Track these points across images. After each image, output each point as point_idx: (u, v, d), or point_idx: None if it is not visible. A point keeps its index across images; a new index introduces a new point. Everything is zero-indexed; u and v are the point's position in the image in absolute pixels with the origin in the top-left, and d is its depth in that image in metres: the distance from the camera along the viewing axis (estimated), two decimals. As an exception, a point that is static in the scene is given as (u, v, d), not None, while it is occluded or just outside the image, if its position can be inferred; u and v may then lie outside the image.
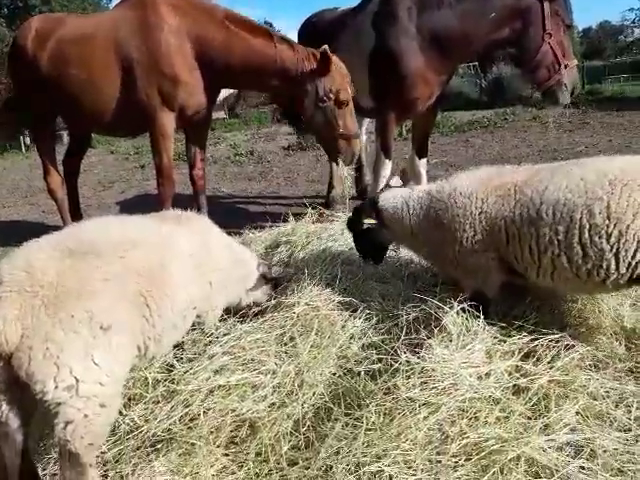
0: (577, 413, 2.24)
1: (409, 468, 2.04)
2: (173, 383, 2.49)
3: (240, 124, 26.21)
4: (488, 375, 2.30)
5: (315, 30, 5.84)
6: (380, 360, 2.48)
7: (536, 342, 2.48)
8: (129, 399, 2.53)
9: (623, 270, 2.28)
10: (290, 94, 4.74)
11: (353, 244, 3.44)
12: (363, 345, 2.74)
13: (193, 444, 2.33)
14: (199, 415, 2.35)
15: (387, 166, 5.04)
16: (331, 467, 2.12)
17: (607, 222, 2.24)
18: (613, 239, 2.24)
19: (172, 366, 2.61)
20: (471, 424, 2.16)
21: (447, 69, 4.66)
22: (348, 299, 3.04)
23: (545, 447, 2.05)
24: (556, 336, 2.48)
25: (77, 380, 1.95)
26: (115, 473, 2.31)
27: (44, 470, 2.38)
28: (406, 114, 4.86)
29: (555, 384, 2.35)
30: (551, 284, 2.52)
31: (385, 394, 2.27)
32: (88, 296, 2.04)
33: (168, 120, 5.01)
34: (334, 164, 6.34)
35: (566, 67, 3.91)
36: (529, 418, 2.23)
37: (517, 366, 2.39)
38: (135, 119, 5.14)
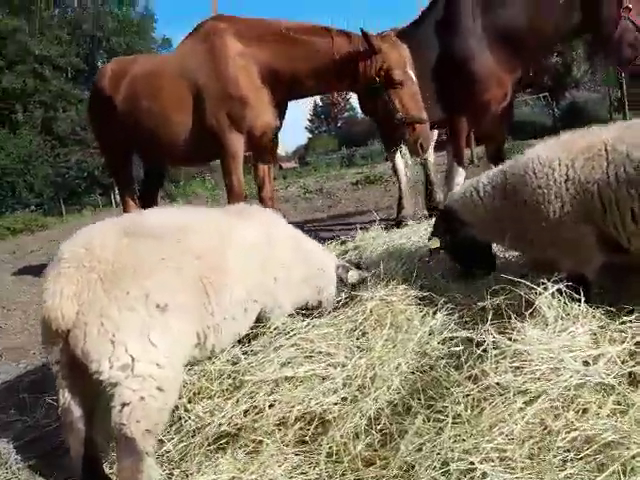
0: None
1: (507, 466, 1.72)
2: (238, 375, 2.34)
3: (310, 170, 26.91)
4: (596, 360, 1.94)
5: None
6: (465, 348, 2.18)
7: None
8: (194, 394, 2.40)
9: None
10: (354, 86, 4.68)
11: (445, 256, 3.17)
12: (444, 339, 2.45)
13: (260, 441, 2.16)
14: (265, 408, 2.18)
15: (461, 174, 4.78)
16: (413, 466, 1.84)
17: None
18: None
19: (237, 359, 2.46)
20: (579, 417, 1.81)
21: (519, 67, 4.42)
22: (426, 294, 2.79)
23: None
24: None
25: (133, 359, 1.87)
26: (180, 472, 2.17)
27: (111, 469, 2.30)
28: (479, 118, 4.62)
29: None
30: None
31: (472, 383, 1.97)
32: (144, 274, 1.99)
33: (238, 142, 5.13)
34: (402, 187, 6.19)
35: None
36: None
37: (631, 352, 2.01)
38: (207, 146, 5.32)
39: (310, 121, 60.33)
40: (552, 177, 2.32)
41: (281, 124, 5.44)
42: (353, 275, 3.08)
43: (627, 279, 2.50)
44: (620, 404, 1.86)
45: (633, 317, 2.15)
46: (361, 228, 4.65)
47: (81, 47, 41.55)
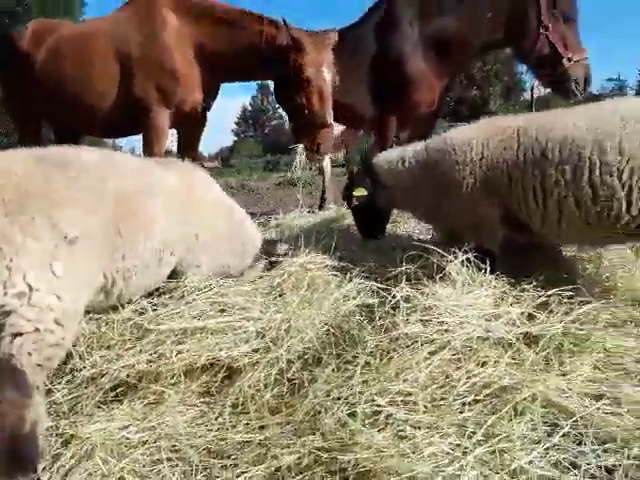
0: (594, 367, 2.01)
1: (410, 409, 1.77)
2: (144, 324, 2.21)
3: (233, 172, 26.53)
4: (497, 318, 2.07)
5: None
6: (378, 302, 2.23)
7: (549, 294, 2.25)
8: (92, 342, 2.23)
9: (635, 212, 2.13)
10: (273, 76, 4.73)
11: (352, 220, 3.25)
12: (359, 305, 2.49)
13: (162, 393, 2.05)
14: (170, 357, 2.07)
15: None
16: (319, 411, 1.83)
17: (619, 158, 2.11)
18: (625, 176, 2.10)
19: (144, 310, 2.33)
20: (479, 367, 1.91)
21: (448, 74, 4.67)
22: (344, 264, 2.83)
23: (565, 388, 1.80)
24: (570, 292, 2.28)
25: (30, 288, 1.71)
26: (68, 422, 1.99)
27: None
28: (407, 117, 4.80)
29: (570, 337, 2.12)
30: (557, 233, 2.35)
31: (383, 334, 2.02)
32: (55, 202, 1.84)
33: (164, 117, 4.94)
34: (326, 181, 6.31)
35: (570, 60, 3.83)
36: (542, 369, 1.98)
37: (529, 315, 2.17)
38: (130, 118, 5.06)
39: (237, 124, 59.73)
40: (469, 155, 2.48)
41: (210, 105, 5.34)
42: (282, 247, 3.06)
43: (529, 255, 2.70)
44: (515, 359, 1.99)
45: (531, 286, 2.32)
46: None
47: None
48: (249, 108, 59.15)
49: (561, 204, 2.26)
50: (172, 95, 4.81)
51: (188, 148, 5.39)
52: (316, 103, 4.29)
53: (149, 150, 4.97)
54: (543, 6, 3.86)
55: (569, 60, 3.83)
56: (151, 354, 2.10)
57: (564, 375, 1.92)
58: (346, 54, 5.16)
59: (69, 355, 2.14)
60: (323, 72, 4.31)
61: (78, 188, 1.95)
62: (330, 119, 4.29)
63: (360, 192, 3.04)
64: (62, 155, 2.13)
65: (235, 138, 57.55)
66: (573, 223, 2.28)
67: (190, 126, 5.28)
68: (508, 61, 43.80)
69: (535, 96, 17.83)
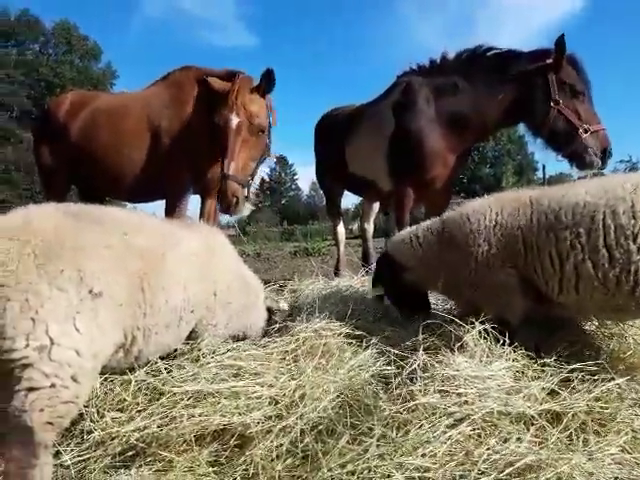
0: (621, 449, 1.92)
1: (428, 486, 1.69)
2: (158, 386, 2.19)
3: (249, 240, 26.96)
4: (518, 392, 2.01)
5: (334, 121, 6.23)
6: (395, 371, 2.18)
7: (571, 369, 2.19)
8: (105, 404, 2.20)
9: None
10: None
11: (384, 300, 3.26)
12: (374, 375, 2.44)
13: (171, 460, 1.99)
14: (182, 421, 2.03)
15: None
16: (333, 486, 1.76)
17: (633, 222, 2.14)
18: None
19: (159, 371, 2.31)
20: (501, 444, 1.83)
21: (462, 150, 4.85)
22: (359, 332, 2.80)
23: (592, 470, 1.71)
24: (593, 368, 2.22)
25: (52, 341, 1.72)
26: (73, 487, 1.93)
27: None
28: (423, 191, 4.93)
29: (594, 415, 2.04)
30: (575, 301, 2.33)
31: (400, 404, 1.96)
32: (84, 255, 1.89)
33: (187, 185, 5.17)
34: (340, 249, 6.39)
35: (587, 131, 3.93)
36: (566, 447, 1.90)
37: (552, 391, 2.10)
38: (156, 184, 5.29)
39: (255, 195, 61.23)
40: (483, 222, 2.53)
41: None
42: (285, 305, 3.08)
43: (549, 329, 2.66)
44: (538, 437, 1.91)
45: (552, 360, 2.27)
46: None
47: (34, 90, 41.22)
48: (267, 179, 60.99)
49: (578, 268, 2.27)
50: (196, 165, 5.06)
51: (209, 215, 5.57)
52: (228, 157, 4.10)
53: (171, 214, 5.15)
54: (552, 81, 4.03)
55: (585, 131, 3.93)
56: (162, 417, 2.06)
57: (590, 456, 1.83)
58: (366, 130, 5.43)
59: (80, 416, 2.11)
60: (232, 115, 4.15)
61: (106, 244, 2.02)
62: (228, 170, 4.01)
63: (377, 291, 3.11)
64: (92, 211, 2.22)
65: (253, 208, 58.94)
66: (591, 288, 2.26)
67: (212, 193, 5.49)
68: (520, 140, 45.29)
69: (547, 175, 18.19)
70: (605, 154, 3.99)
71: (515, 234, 2.45)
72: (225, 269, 2.71)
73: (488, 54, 4.45)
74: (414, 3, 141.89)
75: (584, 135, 3.92)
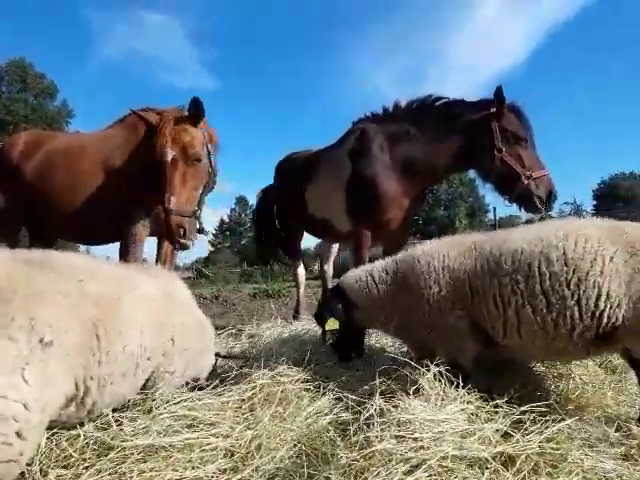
0: (572, 491, 1.96)
1: (386, 537, 1.67)
2: (107, 440, 2.09)
3: (208, 283, 26.45)
4: (472, 435, 2.03)
5: (293, 165, 6.36)
6: (352, 418, 2.17)
7: (522, 410, 2.25)
8: (49, 461, 2.07)
9: (587, 321, 2.25)
10: None
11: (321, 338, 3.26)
12: (332, 422, 2.41)
13: (118, 523, 1.89)
14: (131, 477, 1.93)
15: None
16: (290, 541, 1.71)
17: (565, 269, 2.27)
18: (573, 286, 2.25)
19: (108, 424, 2.21)
20: (457, 490, 1.84)
21: (416, 193, 5.03)
22: (317, 377, 2.79)
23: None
24: (544, 409, 2.28)
25: None
26: None
27: None
28: (380, 232, 5.05)
29: (546, 457, 2.09)
30: (519, 343, 2.42)
31: (357, 451, 1.95)
32: (35, 302, 1.83)
33: (143, 228, 5.10)
34: (300, 292, 6.40)
35: (529, 178, 4.13)
36: (521, 491, 1.92)
37: (505, 433, 2.14)
38: (113, 225, 5.20)
39: (214, 235, 60.85)
40: (432, 264, 2.62)
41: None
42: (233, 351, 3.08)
43: (499, 371, 2.73)
44: (493, 480, 1.93)
45: (503, 402, 2.32)
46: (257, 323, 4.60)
47: (-13, 128, 40.08)
48: (226, 220, 60.71)
49: (519, 313, 2.37)
50: (151, 207, 5.01)
51: (165, 256, 5.49)
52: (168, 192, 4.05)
53: (125, 258, 5.04)
54: (495, 129, 4.27)
55: (528, 177, 4.14)
56: (111, 474, 1.96)
57: (543, 498, 1.86)
58: (325, 174, 5.56)
59: (22, 474, 1.98)
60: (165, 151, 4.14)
61: (59, 290, 1.96)
62: (169, 204, 3.95)
63: (331, 325, 3.05)
64: (45, 257, 2.15)
65: (212, 249, 58.27)
66: (532, 332, 2.36)
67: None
68: (471, 183, 47.28)
69: (497, 217, 19.03)
70: (550, 197, 4.19)
71: (462, 278, 2.54)
72: (183, 314, 2.66)
73: (437, 104, 4.69)
74: (368, 56, 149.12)
75: (526, 181, 4.14)
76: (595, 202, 50.35)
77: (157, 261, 5.47)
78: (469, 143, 4.43)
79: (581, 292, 2.24)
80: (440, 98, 4.74)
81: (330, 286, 6.56)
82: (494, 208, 19.68)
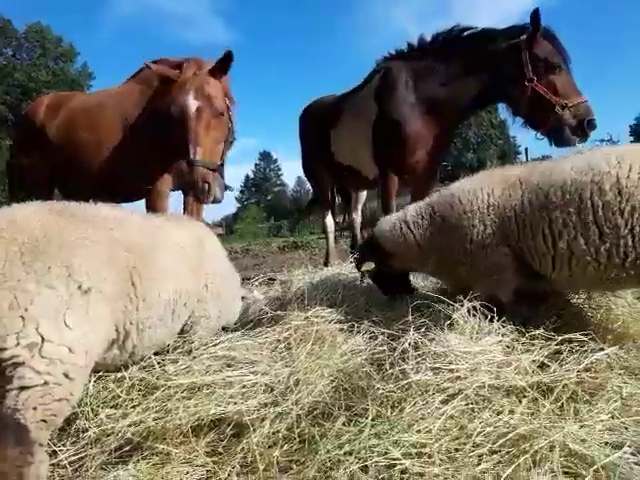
0: (612, 416, 1.95)
1: (425, 462, 1.71)
2: (151, 381, 2.18)
3: (236, 237, 26.80)
4: (509, 366, 2.04)
5: (318, 110, 6.20)
6: (387, 352, 2.20)
7: (560, 341, 2.22)
8: (99, 402, 2.19)
9: None
10: None
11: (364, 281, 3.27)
12: (367, 358, 2.45)
13: (168, 453, 1.99)
14: (177, 413, 2.03)
15: None
16: (331, 467, 1.77)
17: (619, 198, 2.17)
18: (627, 214, 2.16)
19: (151, 366, 2.31)
20: (494, 416, 1.86)
21: (444, 132, 4.86)
22: (350, 317, 2.82)
23: (584, 437, 1.74)
24: (582, 338, 2.25)
25: (43, 338, 1.71)
26: (71, 486, 1.92)
27: None
28: (407, 175, 4.94)
29: (584, 385, 2.08)
30: (569, 275, 2.36)
31: (393, 383, 1.98)
32: (71, 251, 1.87)
33: (166, 179, 5.13)
34: (330, 240, 6.39)
35: (565, 107, 3.88)
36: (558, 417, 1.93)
37: (542, 363, 2.13)
38: (136, 182, 5.25)
39: (241, 192, 61.17)
40: (475, 203, 2.54)
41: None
42: (258, 294, 3.14)
43: (536, 303, 2.69)
44: (530, 408, 1.94)
45: (540, 333, 2.30)
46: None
47: (9, 95, 40.52)
48: (251, 176, 60.76)
49: (570, 245, 2.29)
50: (172, 161, 5.02)
51: (192, 211, 5.55)
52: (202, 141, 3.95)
53: (152, 210, 5.11)
54: (525, 58, 4.01)
55: (563, 107, 3.89)
56: (158, 411, 2.06)
57: (581, 424, 1.86)
58: (350, 119, 5.41)
59: (74, 415, 2.10)
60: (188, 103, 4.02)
61: (93, 239, 2.00)
62: (195, 156, 3.85)
63: (369, 266, 3.06)
64: (79, 208, 2.19)
65: (239, 205, 58.80)
66: (584, 264, 2.29)
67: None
68: (502, 125, 45.60)
69: (530, 158, 18.44)
70: (588, 125, 3.91)
71: (509, 214, 2.46)
72: (214, 261, 2.70)
73: (463, 35, 4.44)
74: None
75: (561, 111, 3.90)
76: (632, 139, 48.07)
77: (185, 207, 5.52)
78: (497, 74, 4.19)
79: (634, 220, 2.15)
80: (467, 28, 4.47)
81: (359, 234, 6.54)
82: (526, 149, 18.98)
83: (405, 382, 1.93)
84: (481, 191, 2.55)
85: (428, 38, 4.72)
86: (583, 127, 3.89)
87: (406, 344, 2.10)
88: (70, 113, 5.39)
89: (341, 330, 2.73)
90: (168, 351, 2.48)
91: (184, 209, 5.58)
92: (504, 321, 2.36)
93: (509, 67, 4.10)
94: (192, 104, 4.05)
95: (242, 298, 3.15)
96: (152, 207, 5.11)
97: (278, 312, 2.90)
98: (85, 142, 5.21)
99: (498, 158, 43.42)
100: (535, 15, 3.93)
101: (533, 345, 2.27)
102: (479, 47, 4.31)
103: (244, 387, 2.15)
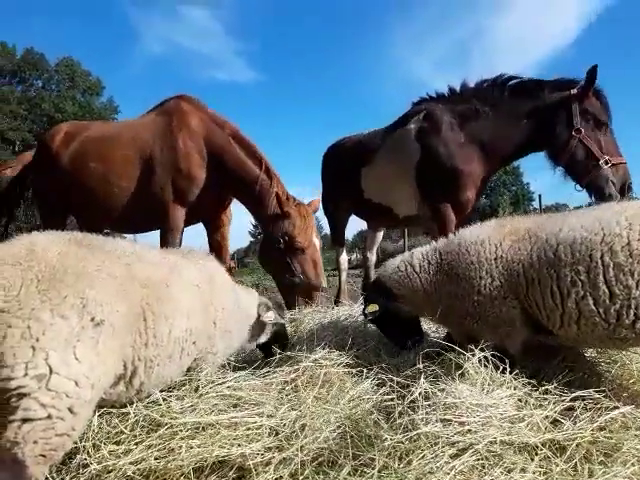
0: (628, 480, 1.88)
1: (432, 519, 1.65)
2: (156, 417, 2.15)
3: (248, 271, 26.73)
4: (521, 421, 1.98)
5: (344, 149, 6.25)
6: (397, 401, 2.15)
7: (573, 397, 2.17)
8: (101, 438, 2.16)
9: None
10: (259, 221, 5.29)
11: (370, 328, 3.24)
12: (375, 405, 2.40)
13: (168, 494, 1.95)
14: (180, 453, 1.99)
15: None
16: (335, 520, 1.72)
17: (630, 260, 2.15)
18: (637, 275, 2.13)
19: (157, 402, 2.28)
20: (505, 474, 1.80)
21: (487, 174, 4.89)
22: (360, 361, 2.78)
23: (598, 502, 1.67)
24: (596, 396, 2.20)
25: (51, 370, 1.69)
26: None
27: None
28: (460, 212, 4.93)
29: (599, 446, 2.01)
30: (576, 333, 2.31)
31: (402, 434, 1.93)
32: (86, 282, 1.89)
33: (179, 214, 5.20)
34: (342, 278, 6.36)
35: (608, 163, 3.94)
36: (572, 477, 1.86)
37: (554, 420, 2.07)
38: (148, 214, 5.32)
39: (254, 226, 61.37)
40: (483, 255, 2.53)
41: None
42: (270, 315, 3.13)
43: (548, 356, 2.64)
44: (542, 467, 1.87)
45: (553, 387, 2.25)
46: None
47: (36, 124, 41.91)
48: (266, 211, 61.01)
49: (579, 304, 2.26)
50: (187, 194, 5.13)
51: (218, 244, 5.68)
52: (309, 267, 4.77)
53: (164, 245, 5.16)
54: (575, 110, 4.10)
55: (606, 163, 3.96)
56: (160, 450, 2.02)
57: (596, 488, 1.79)
58: (386, 157, 5.42)
59: (76, 449, 2.07)
60: (313, 239, 4.82)
61: (109, 272, 2.02)
62: (321, 281, 4.79)
63: (373, 308, 3.01)
64: (98, 240, 2.23)
65: (252, 239, 58.93)
66: (592, 323, 2.25)
67: (216, 222, 5.69)
68: (515, 171, 45.81)
69: (543, 205, 18.38)
70: (625, 188, 4.00)
71: (516, 268, 2.45)
72: (223, 296, 2.71)
73: (510, 82, 4.54)
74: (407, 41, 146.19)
75: (604, 166, 3.95)
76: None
77: (211, 249, 5.59)
78: (545, 122, 4.27)
79: None
80: (513, 77, 4.59)
81: (372, 274, 6.49)
82: (539, 196, 18.97)
83: (414, 433, 1.88)
84: (489, 242, 2.54)
85: (471, 84, 4.83)
86: (623, 189, 3.97)
87: (416, 393, 2.06)
88: (83, 142, 5.54)
89: (350, 374, 2.69)
90: (174, 387, 2.45)
91: (209, 240, 5.72)
92: (517, 374, 2.31)
93: (558, 116, 4.18)
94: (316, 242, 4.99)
95: (258, 317, 3.12)
96: (164, 240, 5.18)
97: (287, 353, 2.87)
98: (94, 172, 5.33)
99: (511, 204, 43.48)
100: (592, 71, 4.04)
101: (546, 399, 2.21)
102: (529, 95, 4.41)
103: (249, 429, 2.11)
